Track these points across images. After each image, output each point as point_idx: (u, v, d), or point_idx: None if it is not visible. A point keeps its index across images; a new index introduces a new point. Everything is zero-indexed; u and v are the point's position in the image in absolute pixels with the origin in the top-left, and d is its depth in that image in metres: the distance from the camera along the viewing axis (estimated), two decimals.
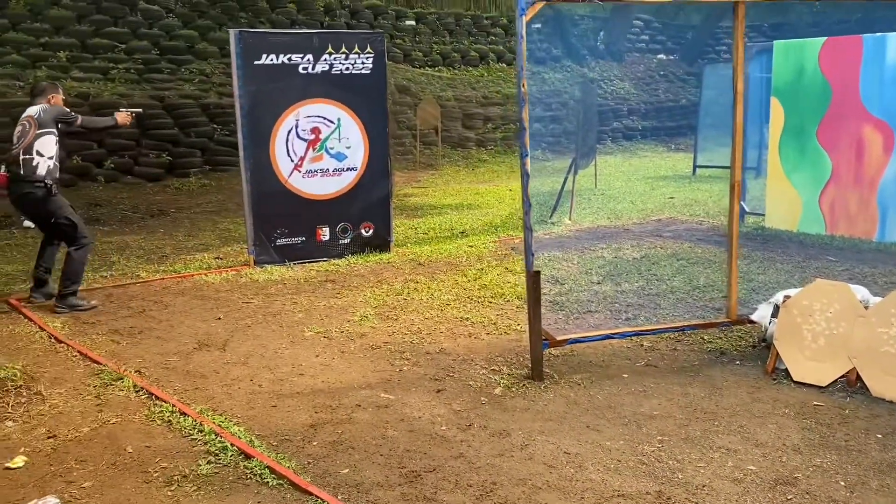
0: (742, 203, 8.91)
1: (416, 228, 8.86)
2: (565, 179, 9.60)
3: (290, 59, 6.79)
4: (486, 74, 18.75)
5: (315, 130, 7.01)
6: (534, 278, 4.15)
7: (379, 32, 7.26)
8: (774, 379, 4.21)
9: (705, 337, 4.91)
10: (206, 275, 6.71)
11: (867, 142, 7.56)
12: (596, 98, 16.35)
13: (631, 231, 8.56)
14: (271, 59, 6.73)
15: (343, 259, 7.20)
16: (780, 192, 8.34)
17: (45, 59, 12.58)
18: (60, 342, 4.93)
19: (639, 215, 9.59)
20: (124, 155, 11.72)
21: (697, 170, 13.87)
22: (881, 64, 7.39)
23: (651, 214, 9.59)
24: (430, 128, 15.39)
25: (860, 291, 4.31)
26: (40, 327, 5.23)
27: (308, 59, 6.85)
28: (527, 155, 4.09)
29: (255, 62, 6.69)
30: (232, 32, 6.65)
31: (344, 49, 6.93)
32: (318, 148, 7.03)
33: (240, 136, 6.75)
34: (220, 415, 3.84)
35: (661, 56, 23.22)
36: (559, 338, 4.32)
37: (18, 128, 5.58)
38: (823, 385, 4.06)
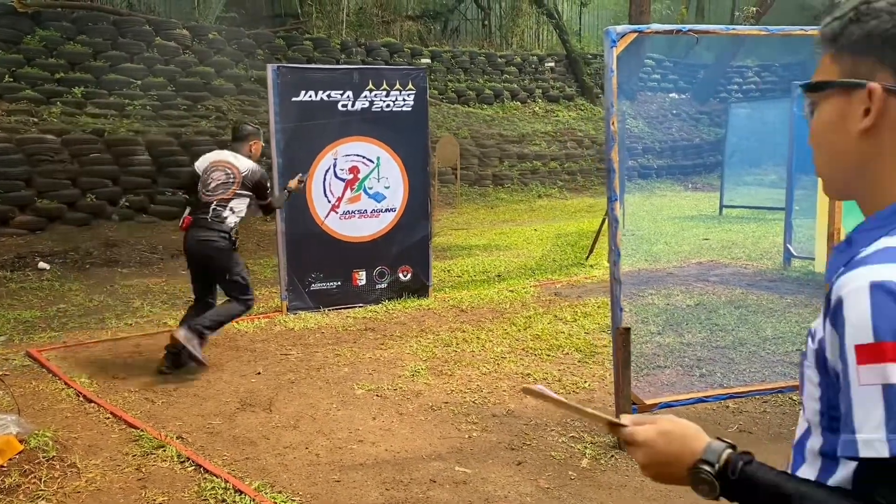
0: (788, 245, 8.57)
1: (449, 271, 8.47)
2: (603, 220, 9.24)
3: (329, 96, 6.47)
4: (500, 112, 18.56)
5: (353, 170, 6.66)
6: (623, 336, 3.76)
7: (421, 68, 6.98)
8: None
9: (794, 398, 4.49)
10: (237, 322, 6.29)
11: None
12: (625, 135, 16.10)
13: (675, 275, 8.18)
14: (310, 96, 6.41)
15: (380, 305, 6.80)
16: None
17: (60, 94, 12.30)
18: (90, 401, 4.50)
19: (677, 258, 9.22)
20: (140, 193, 11.36)
21: (724, 209, 13.57)
22: None
23: (690, 257, 9.22)
24: (448, 165, 15.11)
25: None
26: (66, 383, 4.80)
27: (348, 96, 6.53)
28: (615, 199, 3.73)
29: (293, 98, 6.37)
30: (270, 67, 6.35)
31: (385, 86, 6.62)
32: (356, 188, 6.67)
33: (275, 174, 6.39)
34: (279, 492, 3.41)
35: (673, 94, 23.11)
36: (648, 402, 3.91)
37: (219, 174, 5.13)
38: None
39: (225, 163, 5.18)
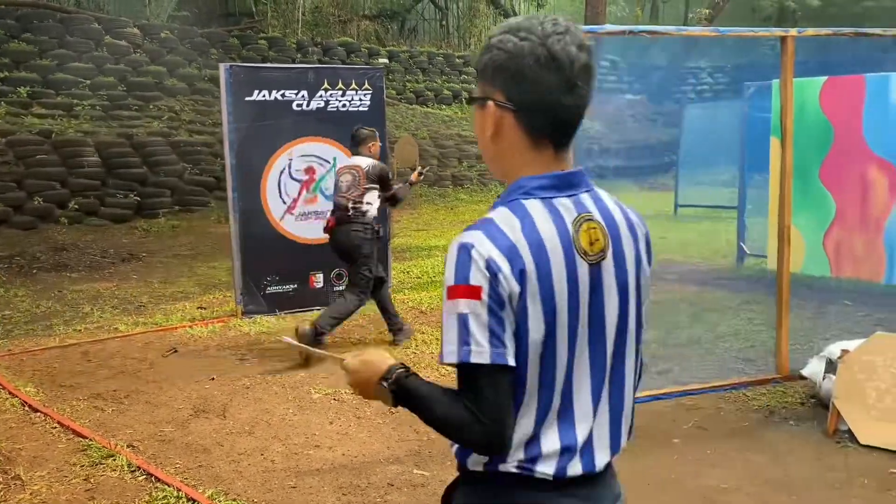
0: (742, 244, 8.73)
1: (408, 272, 8.44)
2: None
3: (283, 96, 6.38)
4: (459, 113, 18.58)
5: (309, 170, 6.58)
6: None
7: (378, 68, 6.94)
8: (838, 442, 3.87)
9: (748, 393, 4.57)
10: (190, 327, 6.17)
11: (872, 182, 7.42)
12: (579, 136, 16.25)
13: None
14: (263, 95, 6.31)
15: None
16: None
17: (5, 94, 11.94)
18: (36, 411, 4.35)
19: None
20: (89, 195, 11.08)
21: (679, 209, 13.79)
22: (885, 104, 7.30)
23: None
24: (408, 166, 15.05)
25: None
26: (10, 392, 4.64)
27: (303, 96, 6.45)
28: None
29: (247, 98, 6.27)
30: (222, 66, 6.24)
31: (341, 85, 6.56)
32: (312, 189, 6.59)
33: (228, 176, 6.29)
34: (234, 500, 3.34)
35: (629, 96, 23.41)
36: None
37: (346, 177, 5.68)
38: (895, 449, 3.73)
39: (349, 166, 5.74)
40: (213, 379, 4.96)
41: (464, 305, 1.24)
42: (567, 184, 1.33)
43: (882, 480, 3.46)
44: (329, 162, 6.62)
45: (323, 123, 6.54)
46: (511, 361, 1.25)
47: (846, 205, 7.61)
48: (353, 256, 5.65)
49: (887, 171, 7.32)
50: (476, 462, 1.34)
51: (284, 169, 6.48)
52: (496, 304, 1.24)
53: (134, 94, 13.23)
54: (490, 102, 1.32)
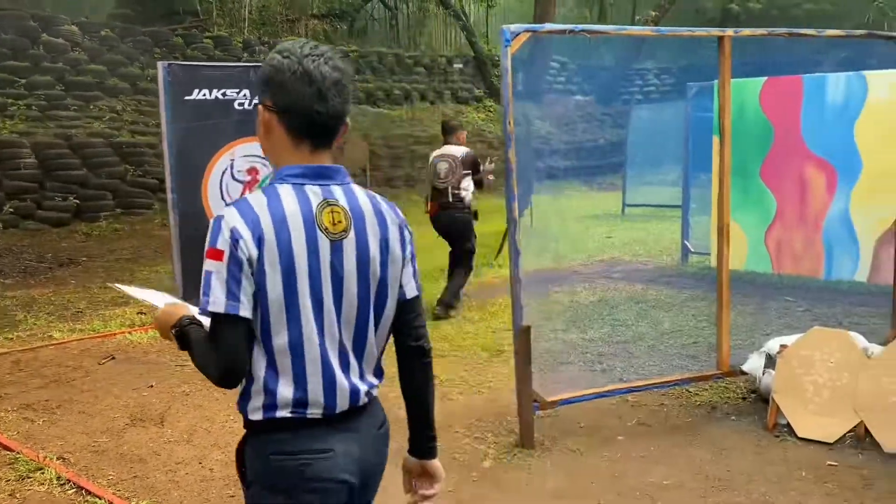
0: (686, 242, 8.87)
1: None
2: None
3: (224, 95, 6.24)
4: (410, 113, 18.51)
5: (252, 171, 6.45)
6: (524, 335, 3.75)
7: None
8: (777, 436, 3.93)
9: (691, 390, 4.62)
10: (129, 333, 5.98)
11: (810, 181, 7.60)
12: (531, 136, 16.35)
13: (580, 273, 8.33)
14: (204, 95, 6.16)
15: None
16: None
17: None
18: None
19: (582, 256, 9.39)
20: (25, 198, 10.69)
21: (627, 208, 13.97)
22: (821, 104, 7.49)
23: (594, 255, 9.42)
24: (358, 167, 14.94)
25: (858, 338, 4.12)
26: None
27: (244, 95, 6.31)
28: (514, 199, 3.72)
29: (186, 97, 6.11)
30: (160, 65, 6.06)
31: None
32: (255, 190, 6.45)
33: (168, 178, 6.12)
34: None
35: (578, 97, 23.66)
36: (550, 399, 3.92)
37: (444, 164, 6.46)
38: (831, 442, 3.80)
39: (444, 155, 6.51)
40: (151, 386, 4.81)
41: (210, 265, 1.54)
42: (319, 175, 1.63)
43: (819, 473, 3.52)
44: None
45: None
46: (244, 313, 1.53)
47: (786, 203, 7.78)
48: (459, 236, 6.58)
49: (825, 169, 7.51)
50: (255, 411, 1.60)
51: (226, 170, 6.33)
52: (236, 265, 1.52)
53: (73, 93, 12.81)
54: (261, 106, 1.64)
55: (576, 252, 9.64)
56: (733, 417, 4.20)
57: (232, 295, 1.52)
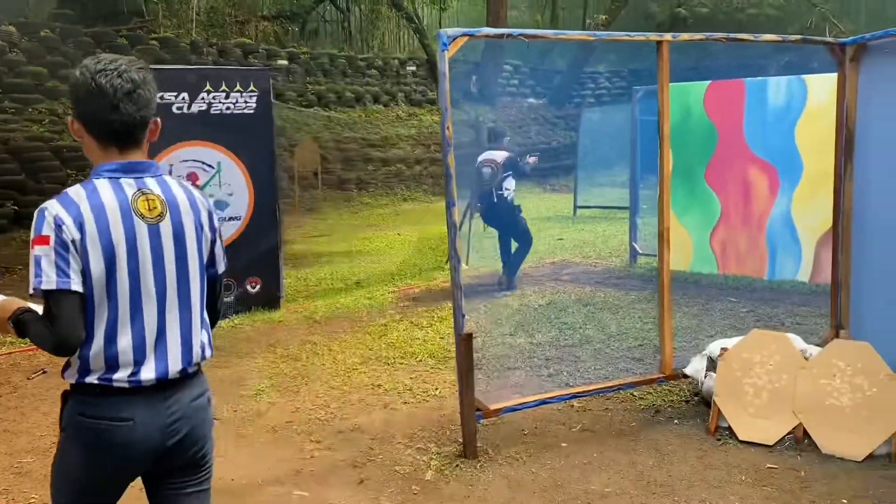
0: (634, 244, 8.93)
1: (305, 280, 8.21)
2: (461, 223, 9.27)
3: (161, 98, 6.05)
4: (363, 116, 18.37)
5: (192, 176, 6.27)
6: (466, 342, 3.69)
7: (265, 69, 6.68)
8: (719, 439, 3.94)
9: (635, 393, 4.62)
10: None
11: (753, 182, 7.72)
12: (484, 139, 16.39)
13: (530, 275, 8.32)
14: None
15: (226, 320, 6.44)
16: (671, 232, 8.36)
17: None
18: None
19: (533, 258, 9.37)
20: None
21: (578, 210, 14.06)
22: (763, 106, 7.61)
23: (545, 257, 9.42)
24: (309, 170, 14.76)
25: (797, 340, 4.16)
26: None
27: (183, 98, 6.15)
28: (454, 204, 3.66)
29: None
30: None
31: (224, 87, 6.28)
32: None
33: None
34: None
35: (531, 100, 23.78)
36: (493, 407, 3.87)
37: (487, 169, 7.42)
38: (771, 444, 3.83)
39: (487, 160, 7.42)
40: None
41: (38, 251, 1.73)
42: (132, 169, 1.86)
43: (759, 476, 3.53)
44: (213, 167, 6.34)
45: (206, 127, 6.25)
46: (75, 287, 1.74)
47: (730, 204, 7.90)
48: (507, 226, 7.64)
49: (767, 171, 7.64)
50: (71, 375, 1.83)
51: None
52: (62, 247, 1.73)
53: (11, 96, 12.39)
54: (70, 117, 1.89)
55: (528, 254, 9.63)
56: (676, 421, 4.21)
57: (62, 272, 1.72)
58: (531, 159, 8.06)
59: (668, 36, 4.07)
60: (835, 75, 4.49)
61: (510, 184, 7.47)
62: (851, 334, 4.65)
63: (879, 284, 4.36)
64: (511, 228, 7.76)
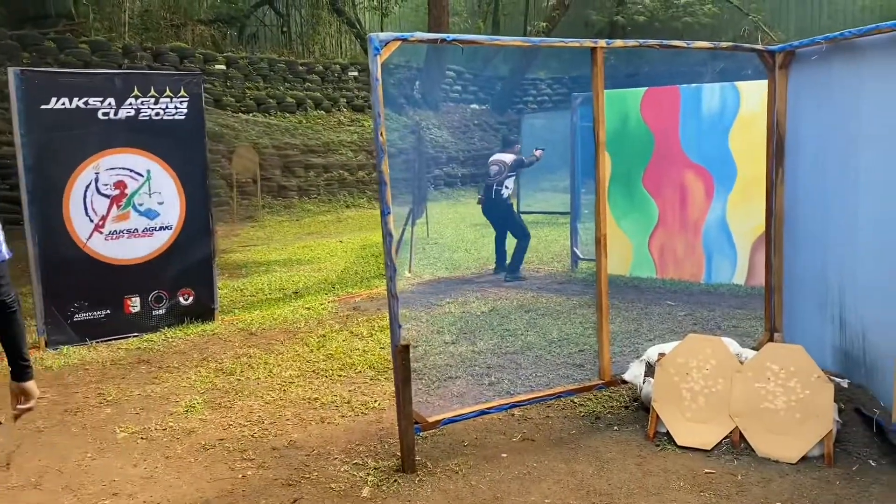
0: (575, 249, 8.99)
1: (241, 290, 7.99)
2: (403, 229, 9.20)
3: (87, 103, 5.81)
4: (304, 121, 18.10)
5: (120, 185, 6.03)
6: (402, 354, 3.60)
7: (195, 73, 6.46)
8: (658, 445, 3.94)
9: (576, 400, 4.59)
10: None
11: (690, 188, 7.85)
12: (425, 145, 16.31)
13: (473, 282, 8.28)
14: (63, 103, 5.71)
15: (158, 333, 6.21)
16: (611, 237, 8.44)
17: None
18: None
19: (476, 264, 9.37)
20: None
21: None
22: (698, 113, 7.74)
23: (488, 263, 9.39)
24: (247, 176, 14.45)
25: (732, 344, 4.20)
26: None
27: (109, 103, 5.90)
28: (389, 212, 3.57)
29: (43, 106, 5.65)
30: (11, 71, 5.57)
31: (153, 92, 6.06)
32: (123, 205, 6.04)
33: (23, 193, 5.64)
34: None
35: (474, 106, 23.85)
36: (431, 419, 3.79)
37: (495, 167, 8.53)
38: (708, 448, 3.85)
39: (498, 160, 8.60)
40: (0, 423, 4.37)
41: None
42: None
43: (697, 481, 3.54)
44: (142, 175, 6.10)
45: (134, 133, 6.02)
46: None
47: (668, 209, 8.01)
48: (503, 221, 8.58)
49: (703, 177, 7.77)
50: None
51: (91, 183, 5.90)
52: None
53: None
54: None
55: (470, 261, 9.61)
56: (616, 427, 4.19)
57: None
58: (537, 153, 8.85)
59: (602, 42, 4.07)
60: (766, 82, 4.57)
61: (511, 183, 8.59)
62: (785, 337, 4.73)
63: (811, 287, 4.44)
64: (508, 223, 8.58)
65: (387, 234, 3.62)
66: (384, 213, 3.60)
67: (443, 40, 3.65)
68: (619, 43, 4.17)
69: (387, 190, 3.56)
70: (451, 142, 21.31)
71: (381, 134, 3.53)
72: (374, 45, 3.47)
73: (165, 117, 6.13)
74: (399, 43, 3.54)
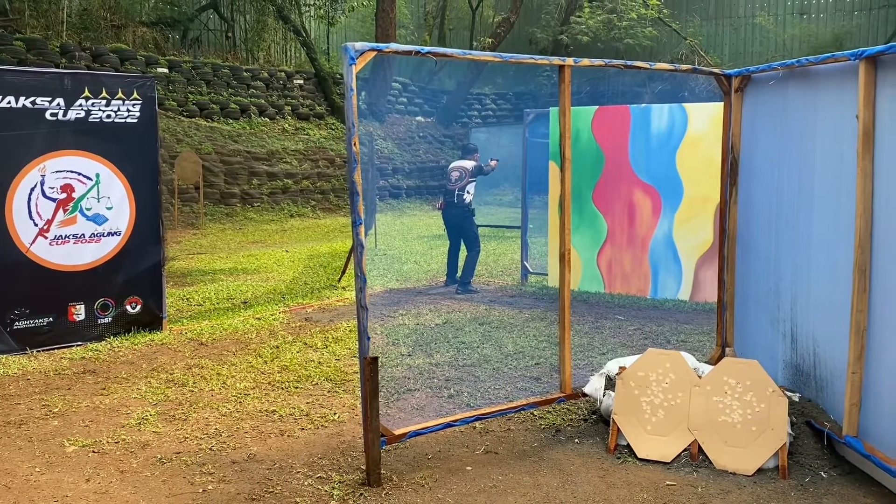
0: (525, 262, 9.09)
1: (188, 299, 7.78)
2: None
3: (34, 103, 5.59)
4: (248, 128, 17.84)
5: (67, 188, 5.82)
6: (371, 366, 3.57)
7: (150, 77, 6.28)
8: (619, 457, 4.01)
9: (536, 413, 4.64)
10: None
11: (638, 205, 8.05)
12: (374, 156, 16.25)
13: (424, 294, 8.28)
14: (8, 102, 5.48)
15: (104, 342, 6.00)
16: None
17: None
18: None
19: (426, 276, 9.38)
20: None
21: None
22: (647, 132, 7.96)
23: (438, 275, 9.42)
24: (190, 183, 14.12)
25: (690, 359, 4.31)
26: None
27: (58, 104, 5.69)
28: (360, 223, 3.54)
29: None
30: None
31: (105, 94, 5.87)
32: (70, 209, 5.83)
33: None
34: None
35: (420, 118, 23.93)
36: (398, 432, 3.76)
37: (456, 173, 8.73)
38: (668, 461, 3.93)
39: (458, 167, 8.81)
40: None
41: None
42: None
43: (658, 493, 3.61)
44: (91, 179, 5.90)
45: (84, 136, 5.82)
46: None
47: (616, 226, 8.20)
48: (460, 227, 8.67)
49: (651, 194, 7.98)
50: None
51: (36, 186, 5.67)
52: None
53: None
54: None
55: (420, 272, 9.62)
56: (577, 440, 4.25)
57: None
58: (493, 162, 9.00)
59: (569, 60, 4.15)
60: (713, 104, 4.74)
61: (472, 188, 8.70)
62: (737, 352, 4.89)
63: (763, 304, 4.60)
64: (464, 231, 8.70)
65: (358, 245, 3.59)
66: (355, 224, 3.57)
67: (418, 52, 3.66)
68: (586, 61, 4.26)
69: (359, 200, 3.54)
70: (396, 153, 21.32)
71: (355, 144, 3.51)
72: (349, 54, 3.45)
73: (117, 120, 5.95)
74: (374, 53, 3.53)
